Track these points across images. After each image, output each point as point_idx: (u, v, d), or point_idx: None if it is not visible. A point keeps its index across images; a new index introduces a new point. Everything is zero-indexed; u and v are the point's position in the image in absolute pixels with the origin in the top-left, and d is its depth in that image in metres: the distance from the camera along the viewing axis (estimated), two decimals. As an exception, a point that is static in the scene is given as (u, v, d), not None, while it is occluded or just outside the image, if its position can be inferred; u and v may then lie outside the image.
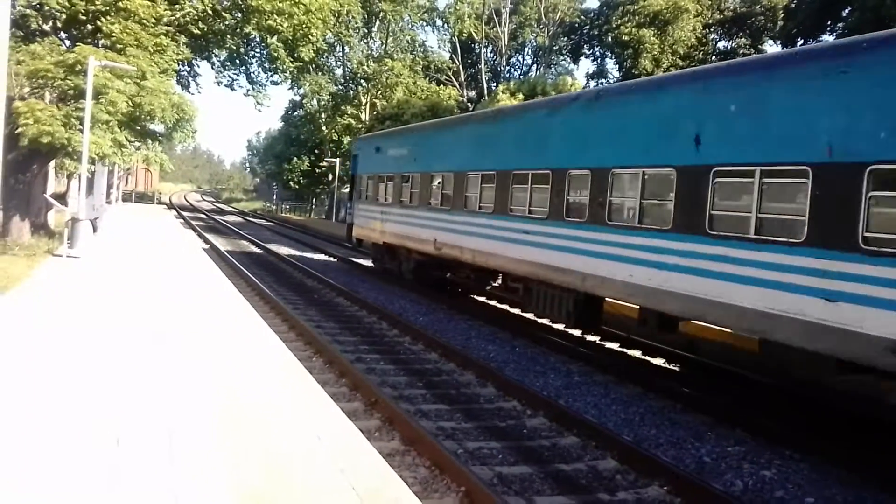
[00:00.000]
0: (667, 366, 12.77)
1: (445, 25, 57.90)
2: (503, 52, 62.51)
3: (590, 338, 14.68)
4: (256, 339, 10.24)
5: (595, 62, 58.70)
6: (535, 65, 66.08)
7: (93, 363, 7.98)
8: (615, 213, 11.52)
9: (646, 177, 10.88)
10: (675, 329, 11.46)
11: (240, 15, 28.14)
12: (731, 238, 9.19)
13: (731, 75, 10.08)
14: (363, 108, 56.45)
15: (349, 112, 56.63)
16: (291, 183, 69.30)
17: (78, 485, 4.85)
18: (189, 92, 31.30)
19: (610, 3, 53.13)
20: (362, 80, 55.34)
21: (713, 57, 48.75)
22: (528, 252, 13.70)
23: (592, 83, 55.36)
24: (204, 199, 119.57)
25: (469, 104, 55.20)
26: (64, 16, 22.59)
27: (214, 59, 31.34)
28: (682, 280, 9.90)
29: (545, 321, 15.06)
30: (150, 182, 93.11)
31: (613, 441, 8.24)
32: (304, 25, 28.93)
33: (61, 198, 27.79)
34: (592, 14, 56.86)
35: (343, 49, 55.03)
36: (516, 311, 17.22)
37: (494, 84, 57.11)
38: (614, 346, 14.10)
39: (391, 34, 56.15)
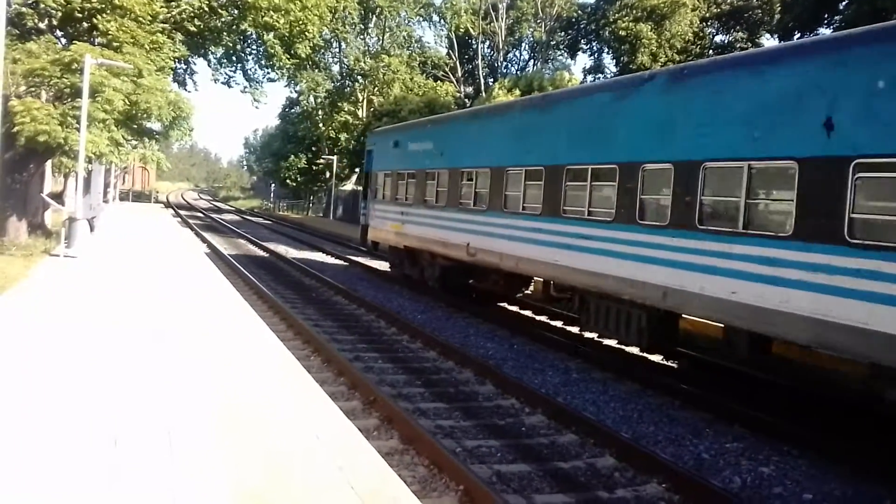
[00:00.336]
0: (665, 362, 12.77)
1: (442, 21, 57.93)
2: (500, 47, 62.44)
3: (588, 335, 14.68)
4: (254, 337, 10.23)
5: (592, 57, 58.65)
6: (532, 60, 65.99)
7: (90, 363, 7.97)
8: (708, 216, 9.69)
9: (753, 171, 9.10)
10: (768, 351, 9.98)
11: (236, 12, 28.07)
12: (885, 248, 7.41)
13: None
14: (360, 104, 56.41)
15: (346, 109, 56.58)
16: (289, 181, 69.19)
17: (76, 485, 4.84)
18: (185, 90, 31.25)
19: (607, -3, 53.04)
20: (359, 77, 55.33)
21: (710, 51, 48.71)
22: (586, 260, 11.91)
23: (589, 78, 55.32)
24: (201, 198, 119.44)
25: (466, 100, 55.15)
26: (60, 14, 22.50)
27: (211, 57, 31.28)
28: (809, 300, 8.17)
29: (612, 342, 13.08)
30: (147, 181, 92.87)
31: (612, 438, 8.25)
32: (300, 22, 28.88)
33: (58, 197, 27.74)
34: (589, 9, 56.76)
35: (340, 45, 55.00)
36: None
37: (491, 80, 57.05)
38: (612, 343, 14.10)
39: (388, 30, 56.12)
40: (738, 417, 9.30)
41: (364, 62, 54.25)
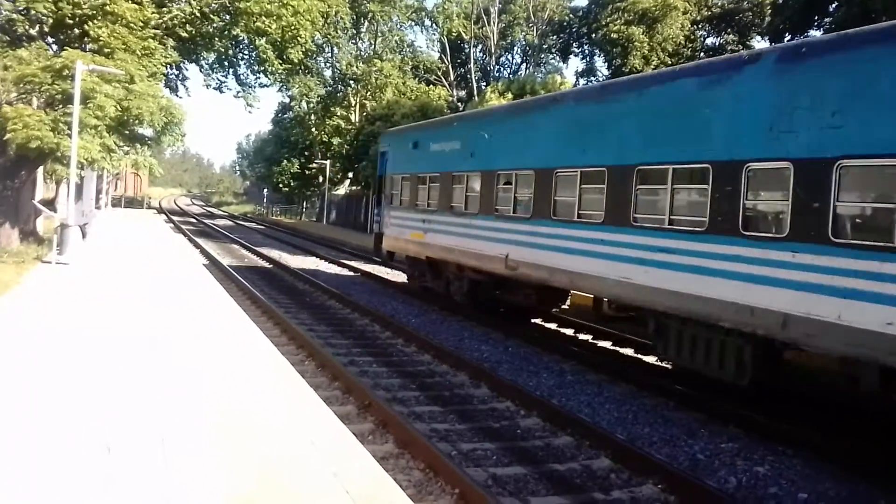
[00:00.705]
0: (660, 363, 12.78)
1: (434, 25, 57.94)
2: (492, 51, 62.50)
3: (582, 336, 14.71)
4: (248, 343, 10.20)
5: (584, 60, 58.67)
6: (524, 64, 66.11)
7: (83, 369, 7.93)
8: (849, 227, 7.96)
9: None
10: None
11: (228, 17, 28.05)
12: None
13: None
14: (353, 109, 56.42)
15: (339, 114, 56.57)
16: (281, 185, 69.14)
17: (69, 492, 4.81)
18: (177, 95, 31.20)
19: (598, 1, 53.18)
20: (351, 82, 55.33)
21: (702, 54, 48.87)
22: (667, 278, 10.03)
23: (582, 81, 55.45)
24: (194, 203, 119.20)
25: (459, 104, 55.19)
26: (51, 20, 22.46)
27: (203, 62, 31.26)
28: None
29: (606, 343, 12.73)
30: (139, 186, 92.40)
31: (607, 440, 8.25)
32: (292, 27, 28.87)
33: (50, 204, 27.63)
34: (581, 12, 56.86)
35: (332, 50, 54.98)
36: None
37: (484, 83, 57.13)
38: (606, 344, 14.13)
39: (380, 35, 56.17)
40: (733, 418, 9.31)
41: (356, 67, 54.27)
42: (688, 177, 10.19)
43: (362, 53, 56.49)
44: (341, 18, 47.23)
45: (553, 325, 15.84)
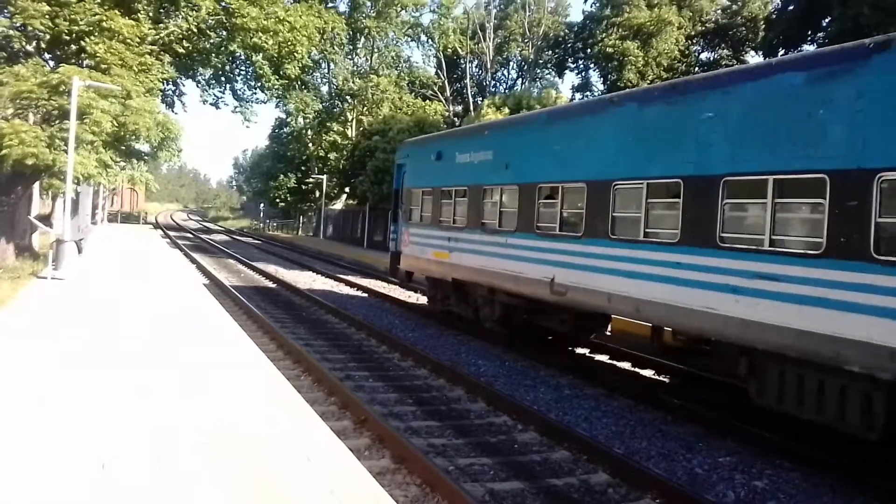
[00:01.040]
0: (657, 377, 12.77)
1: (430, 41, 58.25)
2: (488, 66, 62.87)
3: (579, 351, 14.68)
4: (244, 358, 10.16)
5: (579, 75, 59.10)
6: (520, 79, 66.52)
7: (78, 385, 7.88)
8: None
9: None
10: None
11: (224, 33, 28.20)
12: None
13: None
14: (349, 124, 56.60)
15: (335, 129, 56.75)
16: (278, 200, 69.21)
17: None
18: (174, 111, 31.32)
19: (594, 16, 53.59)
20: (348, 97, 55.53)
21: (696, 69, 49.19)
22: (767, 310, 8.47)
23: (578, 96, 55.70)
24: (190, 218, 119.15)
25: (455, 119, 55.41)
26: (48, 36, 22.55)
27: (199, 78, 31.39)
28: None
29: (604, 357, 11.88)
30: (135, 202, 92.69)
31: (605, 454, 8.22)
32: (289, 43, 29.03)
33: (46, 219, 27.61)
34: (576, 28, 57.30)
35: (328, 66, 55.20)
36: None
37: (480, 98, 57.41)
38: (604, 358, 14.10)
39: (376, 50, 56.45)
40: (731, 431, 9.29)
41: (353, 82, 54.51)
42: (795, 189, 8.58)
43: (359, 69, 56.75)
44: (337, 34, 47.41)
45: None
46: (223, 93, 33.06)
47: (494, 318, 15.10)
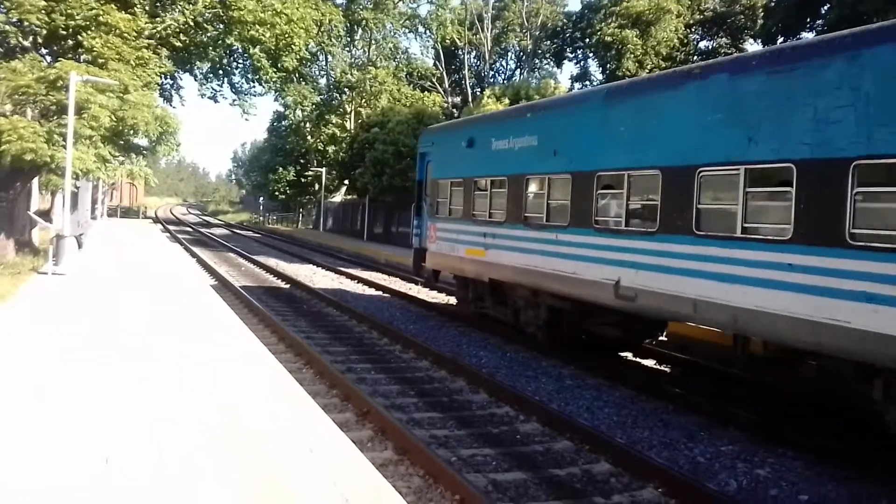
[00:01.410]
0: (658, 367, 12.78)
1: (428, 32, 58.14)
2: (486, 57, 62.71)
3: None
4: (245, 351, 10.16)
5: (578, 65, 58.96)
6: (518, 69, 66.35)
7: (79, 380, 7.89)
8: None
9: None
10: None
11: (222, 26, 28.15)
12: None
13: None
14: (348, 116, 56.53)
15: (334, 121, 56.68)
16: (277, 193, 69.17)
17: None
18: (172, 105, 31.28)
19: (592, 5, 53.42)
20: (346, 89, 55.45)
21: (695, 57, 49.07)
22: None
23: (577, 86, 55.59)
24: (190, 212, 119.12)
25: (454, 110, 55.30)
26: (44, 31, 22.51)
27: (197, 72, 31.34)
28: None
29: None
30: (135, 196, 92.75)
31: (607, 444, 8.23)
32: (286, 35, 28.99)
33: (45, 214, 27.61)
34: (574, 17, 57.12)
35: (326, 58, 55.10)
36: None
37: (478, 89, 57.31)
38: (649, 362, 13.98)
39: (374, 42, 56.36)
40: (733, 420, 9.29)
41: (351, 74, 54.41)
42: None
43: (356, 61, 56.65)
44: (335, 26, 47.40)
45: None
46: (221, 86, 33.05)
47: (539, 322, 13.63)
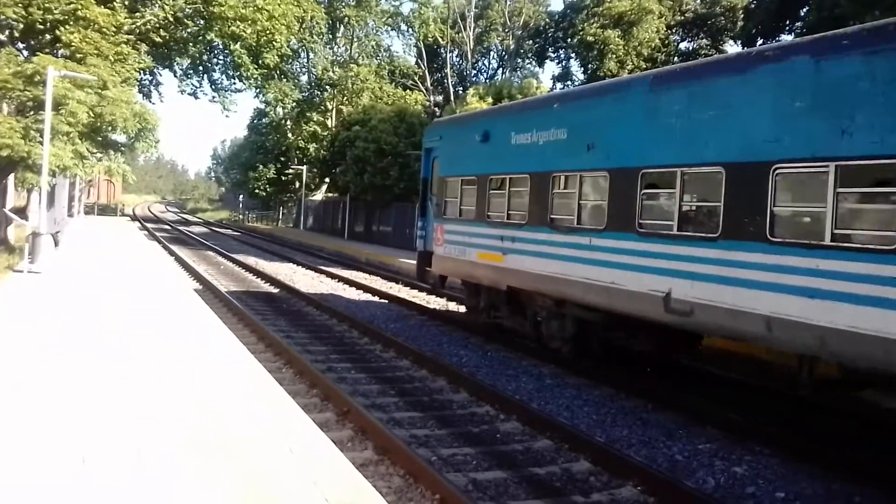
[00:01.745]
0: (637, 367, 12.84)
1: (410, 30, 58.01)
2: (469, 56, 62.69)
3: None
4: (224, 350, 10.10)
5: (560, 65, 59.17)
6: (500, 68, 66.38)
7: (55, 380, 7.80)
8: None
9: None
10: None
11: (202, 22, 27.93)
12: None
13: None
14: (329, 114, 56.29)
15: (315, 119, 56.41)
16: (257, 191, 68.71)
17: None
18: (151, 101, 31.00)
19: (574, 5, 53.59)
20: (328, 87, 55.20)
21: (676, 58, 49.38)
22: None
23: (559, 85, 55.77)
24: (168, 210, 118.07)
25: (436, 108, 55.27)
26: (21, 25, 22.21)
27: (177, 68, 31.08)
28: None
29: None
30: (112, 194, 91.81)
31: (586, 443, 8.27)
32: (267, 31, 28.82)
33: (21, 212, 27.26)
34: (557, 17, 57.29)
35: (307, 55, 54.83)
36: None
37: (461, 88, 57.29)
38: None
39: (356, 39, 56.17)
40: (710, 419, 9.37)
41: (332, 72, 54.19)
42: None
43: (338, 58, 56.43)
44: (317, 23, 47.17)
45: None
46: (201, 83, 32.79)
47: (565, 336, 12.34)
